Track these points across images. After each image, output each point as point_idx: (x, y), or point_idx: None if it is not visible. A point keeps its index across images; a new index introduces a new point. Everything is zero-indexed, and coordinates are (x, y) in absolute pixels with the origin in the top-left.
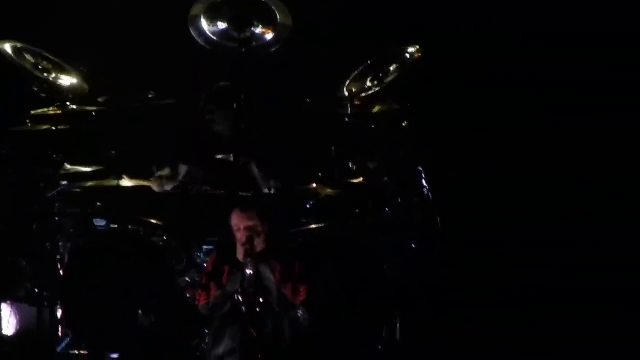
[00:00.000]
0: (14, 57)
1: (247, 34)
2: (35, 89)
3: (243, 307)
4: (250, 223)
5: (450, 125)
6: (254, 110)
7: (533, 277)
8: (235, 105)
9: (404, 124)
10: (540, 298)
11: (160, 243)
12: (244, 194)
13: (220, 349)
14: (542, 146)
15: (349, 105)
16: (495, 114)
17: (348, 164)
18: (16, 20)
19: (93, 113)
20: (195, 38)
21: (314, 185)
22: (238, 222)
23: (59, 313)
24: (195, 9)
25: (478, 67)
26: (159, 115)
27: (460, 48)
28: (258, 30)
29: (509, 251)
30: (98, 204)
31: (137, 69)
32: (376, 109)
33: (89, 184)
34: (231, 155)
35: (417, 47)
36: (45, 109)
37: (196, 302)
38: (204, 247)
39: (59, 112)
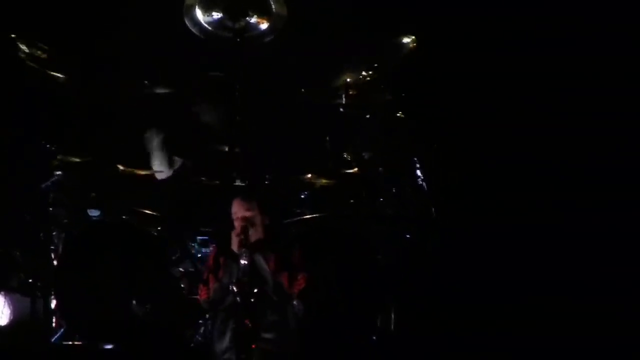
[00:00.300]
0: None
1: (242, 24)
2: (30, 79)
3: (238, 298)
4: (247, 214)
5: (446, 116)
6: (249, 101)
7: (528, 268)
8: (223, 97)
9: (398, 115)
10: (534, 289)
11: (155, 233)
12: (240, 184)
13: (224, 344)
14: (537, 137)
15: (343, 95)
16: (491, 104)
17: (343, 154)
18: (9, 10)
19: (87, 103)
20: (191, 28)
21: (309, 175)
22: (237, 211)
23: (53, 304)
24: None
25: (473, 57)
26: (154, 105)
27: (455, 38)
28: (253, 20)
29: (504, 242)
30: (92, 194)
31: (132, 59)
32: (371, 99)
33: (83, 174)
34: (226, 146)
35: (413, 37)
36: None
37: (198, 298)
38: (198, 237)
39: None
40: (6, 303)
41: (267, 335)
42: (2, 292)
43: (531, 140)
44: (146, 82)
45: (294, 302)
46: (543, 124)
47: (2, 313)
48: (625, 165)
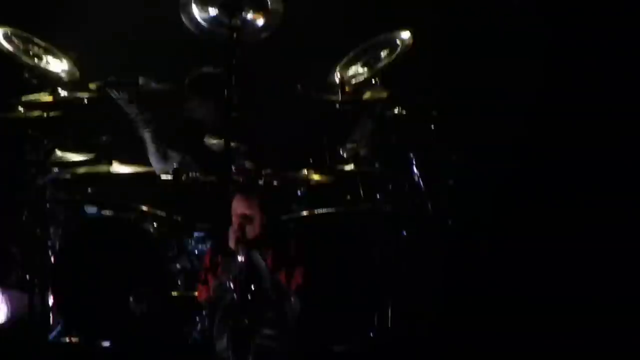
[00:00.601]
0: (4, 43)
1: (238, 20)
2: (26, 75)
3: (235, 295)
4: (247, 211)
5: (442, 112)
6: (244, 97)
7: (526, 265)
8: (215, 92)
9: (395, 111)
10: (532, 286)
11: (151, 230)
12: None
13: (224, 342)
14: (536, 133)
15: (340, 91)
16: (489, 100)
17: (339, 151)
18: (3, 6)
19: (85, 100)
20: (187, 24)
21: (305, 172)
22: (236, 208)
23: (50, 301)
24: None
25: (470, 54)
26: (150, 101)
27: (452, 34)
28: (249, 16)
29: (501, 238)
30: (89, 191)
31: (128, 55)
32: (367, 95)
33: (80, 171)
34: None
35: (409, 32)
36: (36, 96)
37: (198, 299)
38: (195, 234)
39: (50, 98)
40: (3, 300)
41: (265, 332)
42: (1, 288)
43: (529, 136)
44: (142, 78)
45: (291, 298)
46: (541, 120)
47: (3, 308)
48: (625, 164)
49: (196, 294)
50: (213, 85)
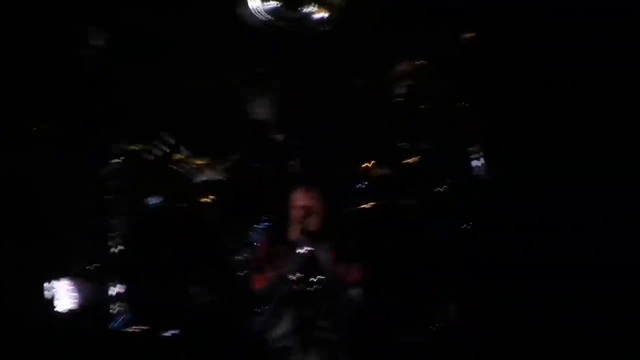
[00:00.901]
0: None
1: (300, 13)
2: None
3: (298, 288)
4: (309, 203)
5: (504, 107)
6: (305, 91)
7: (592, 257)
8: (268, 90)
9: (456, 105)
10: (596, 281)
11: (214, 221)
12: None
13: (279, 331)
14: (592, 125)
15: (401, 84)
16: (549, 96)
17: (400, 144)
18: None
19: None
20: (247, 18)
21: (367, 165)
22: (297, 200)
23: (114, 290)
24: None
25: (533, 47)
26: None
27: (515, 27)
28: (310, 9)
29: (562, 231)
30: (152, 181)
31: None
32: (427, 89)
33: (143, 161)
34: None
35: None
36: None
37: (254, 286)
38: (257, 226)
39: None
40: (70, 290)
41: (325, 324)
42: (66, 279)
43: (588, 127)
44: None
45: (353, 291)
46: (599, 111)
47: (66, 299)
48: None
49: (253, 283)
50: (268, 82)
